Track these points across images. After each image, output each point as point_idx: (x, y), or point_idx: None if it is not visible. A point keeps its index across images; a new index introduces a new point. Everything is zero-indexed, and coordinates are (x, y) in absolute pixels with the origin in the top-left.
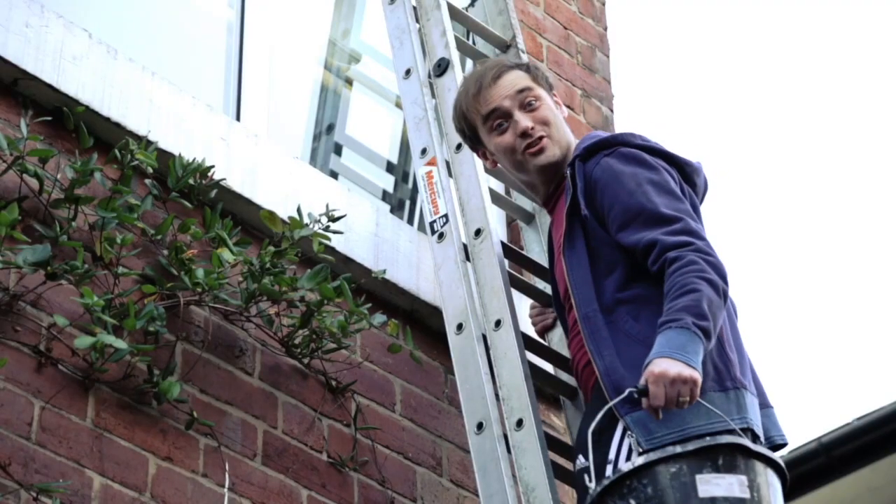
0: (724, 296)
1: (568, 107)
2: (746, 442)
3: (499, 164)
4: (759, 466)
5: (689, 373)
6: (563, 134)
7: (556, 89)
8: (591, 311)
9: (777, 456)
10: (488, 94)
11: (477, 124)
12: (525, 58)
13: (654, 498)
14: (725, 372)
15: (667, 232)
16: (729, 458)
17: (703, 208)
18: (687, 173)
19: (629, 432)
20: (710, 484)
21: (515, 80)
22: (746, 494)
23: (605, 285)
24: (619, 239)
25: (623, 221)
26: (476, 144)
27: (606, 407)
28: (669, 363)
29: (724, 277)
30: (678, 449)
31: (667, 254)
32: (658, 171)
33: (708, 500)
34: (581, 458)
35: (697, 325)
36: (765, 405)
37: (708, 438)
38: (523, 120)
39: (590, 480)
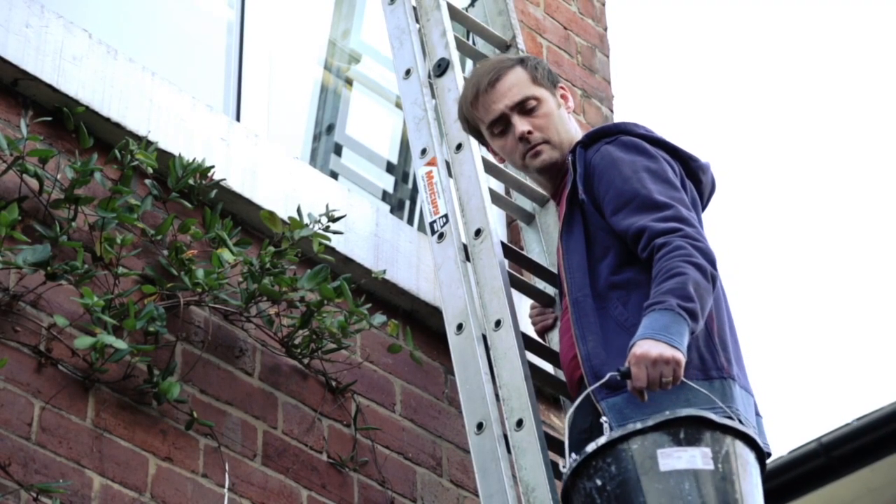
0: (711, 280)
1: None
2: (708, 413)
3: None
4: (727, 439)
5: (671, 353)
6: (564, 134)
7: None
8: (582, 296)
9: (746, 429)
10: (486, 100)
11: (480, 128)
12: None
13: (619, 475)
14: (711, 361)
15: (656, 219)
16: (692, 431)
17: (707, 207)
18: (692, 169)
19: (603, 417)
20: (671, 458)
21: (513, 84)
22: (710, 466)
23: (599, 270)
24: (612, 224)
25: (616, 206)
26: (484, 142)
27: (586, 391)
28: (651, 344)
29: (712, 262)
30: (638, 425)
31: (655, 240)
32: (657, 160)
33: (669, 474)
34: (573, 456)
35: (682, 306)
36: (755, 413)
37: (668, 413)
38: (520, 124)
39: (564, 465)
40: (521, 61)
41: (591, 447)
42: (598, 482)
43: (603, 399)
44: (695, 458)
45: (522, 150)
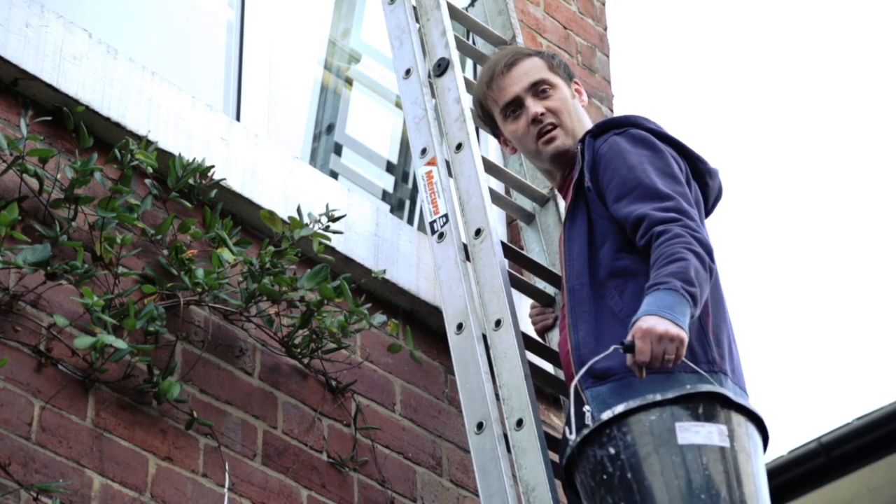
0: (709, 271)
1: None
2: (727, 392)
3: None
4: (740, 418)
5: (677, 331)
6: (577, 122)
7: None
8: (579, 285)
9: (758, 410)
10: (501, 82)
11: (494, 112)
12: None
13: (633, 445)
14: (702, 354)
15: (657, 208)
16: (709, 407)
17: (712, 214)
18: (699, 170)
19: (586, 406)
20: (689, 431)
21: (529, 69)
22: (726, 444)
23: (599, 258)
24: (613, 211)
25: (619, 194)
26: (496, 131)
27: (575, 379)
28: (657, 320)
29: (710, 254)
30: (658, 396)
31: (654, 228)
32: (664, 154)
33: (687, 448)
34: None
35: (686, 289)
36: None
37: (688, 387)
38: (534, 106)
39: (570, 432)
40: (539, 53)
41: (606, 415)
42: (612, 450)
43: (587, 388)
44: (712, 434)
45: (535, 134)
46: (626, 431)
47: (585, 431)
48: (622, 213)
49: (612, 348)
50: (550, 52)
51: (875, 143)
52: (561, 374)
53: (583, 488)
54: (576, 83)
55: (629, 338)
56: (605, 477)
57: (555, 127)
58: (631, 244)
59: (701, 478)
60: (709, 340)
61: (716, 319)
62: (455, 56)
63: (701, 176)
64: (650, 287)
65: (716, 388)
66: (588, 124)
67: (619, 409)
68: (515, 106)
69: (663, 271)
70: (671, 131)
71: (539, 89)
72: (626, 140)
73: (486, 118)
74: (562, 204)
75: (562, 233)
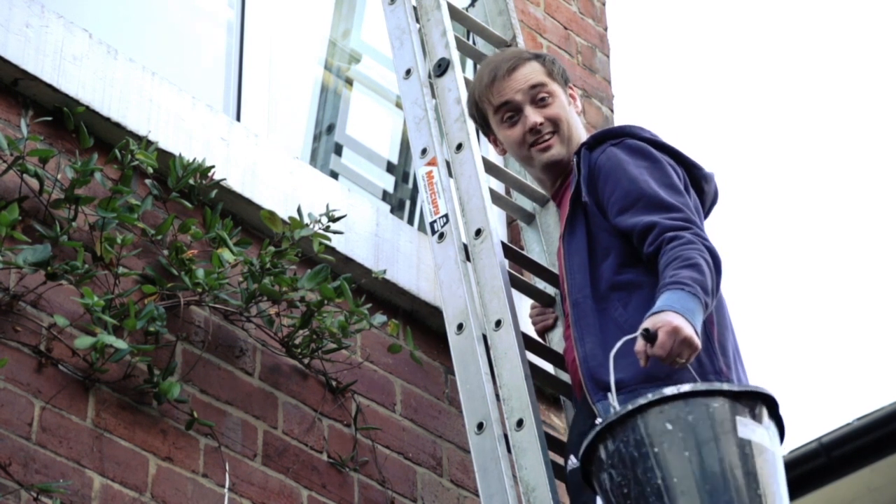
0: (717, 285)
1: None
2: (776, 399)
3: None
4: (772, 422)
5: (697, 342)
6: (573, 131)
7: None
8: (582, 298)
9: (782, 420)
10: (502, 86)
11: (488, 113)
12: None
13: (694, 426)
14: (709, 364)
15: (667, 217)
16: (759, 410)
17: (709, 217)
18: (695, 176)
19: (599, 419)
20: (747, 427)
21: (530, 74)
22: (769, 447)
23: (601, 271)
24: (617, 223)
25: (623, 206)
26: (487, 130)
27: (612, 382)
28: (685, 323)
29: (718, 266)
30: (725, 386)
31: (666, 234)
32: (662, 164)
33: (743, 441)
34: (572, 459)
35: (705, 300)
36: None
37: (754, 385)
38: (532, 115)
39: (567, 461)
40: (538, 56)
41: (671, 390)
42: (669, 426)
43: (598, 401)
44: (763, 436)
45: (531, 141)
46: (690, 411)
47: (641, 401)
48: (627, 224)
49: (640, 329)
50: (551, 57)
51: (875, 143)
52: (561, 375)
53: (617, 456)
54: (570, 89)
55: (650, 327)
56: (655, 450)
57: (552, 135)
58: (634, 257)
59: (753, 472)
60: (715, 350)
61: (721, 329)
62: (455, 56)
63: (697, 182)
64: (672, 283)
65: (771, 393)
66: (582, 132)
67: (686, 388)
68: (512, 111)
69: (683, 273)
70: (666, 135)
71: (538, 97)
72: (623, 151)
73: (478, 117)
74: None
75: (560, 244)
